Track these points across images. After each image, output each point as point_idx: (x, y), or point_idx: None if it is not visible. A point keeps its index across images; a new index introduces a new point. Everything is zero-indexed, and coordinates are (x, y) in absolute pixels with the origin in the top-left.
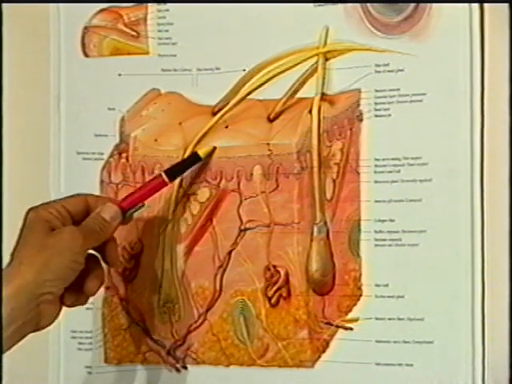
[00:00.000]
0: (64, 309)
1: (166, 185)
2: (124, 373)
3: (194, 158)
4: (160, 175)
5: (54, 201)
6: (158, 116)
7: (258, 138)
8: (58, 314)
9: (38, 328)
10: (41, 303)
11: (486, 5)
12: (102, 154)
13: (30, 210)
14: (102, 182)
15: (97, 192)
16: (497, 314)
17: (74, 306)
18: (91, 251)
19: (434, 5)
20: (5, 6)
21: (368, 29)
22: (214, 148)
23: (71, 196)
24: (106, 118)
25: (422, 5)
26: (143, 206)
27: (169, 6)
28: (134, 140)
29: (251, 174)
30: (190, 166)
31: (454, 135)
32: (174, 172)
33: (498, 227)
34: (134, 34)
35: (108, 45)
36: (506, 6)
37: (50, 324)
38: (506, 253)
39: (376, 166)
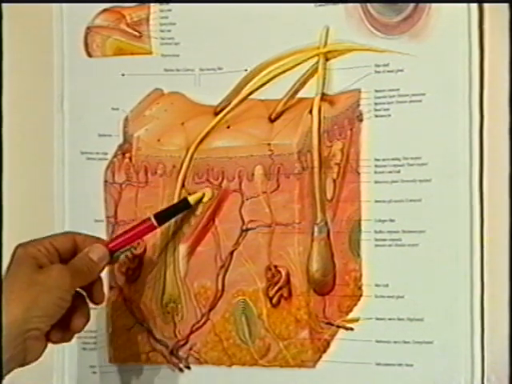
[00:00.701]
0: None
1: (155, 228)
2: (128, 372)
3: (183, 204)
4: (149, 219)
5: (42, 238)
6: (161, 116)
7: (259, 138)
8: (43, 351)
9: (23, 364)
10: (27, 339)
11: (485, 5)
12: (106, 153)
13: (19, 246)
14: (105, 181)
15: (101, 192)
16: (496, 313)
17: (59, 342)
18: (78, 289)
19: (433, 5)
20: (9, 6)
21: (368, 29)
22: (203, 194)
23: (60, 234)
24: (109, 117)
25: (421, 5)
26: (130, 248)
27: (171, 5)
28: (137, 140)
29: (252, 174)
30: (180, 211)
31: (453, 135)
32: (163, 216)
33: (498, 227)
34: (136, 34)
35: (111, 45)
36: (506, 6)
37: (35, 360)
38: (505, 253)
39: (376, 166)
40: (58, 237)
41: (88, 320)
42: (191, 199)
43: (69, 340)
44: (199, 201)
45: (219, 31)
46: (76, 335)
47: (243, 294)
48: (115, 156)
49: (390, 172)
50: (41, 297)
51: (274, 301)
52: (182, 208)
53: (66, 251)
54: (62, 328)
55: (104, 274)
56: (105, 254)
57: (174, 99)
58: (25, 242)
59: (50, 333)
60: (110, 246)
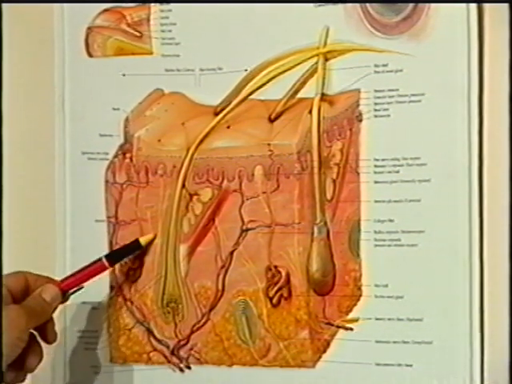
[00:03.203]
0: (70, 307)
1: (107, 269)
2: (129, 372)
3: (135, 245)
4: (101, 259)
5: None
6: (162, 116)
7: (259, 138)
8: None
9: None
10: None
11: (485, 5)
12: (107, 154)
13: None
14: (106, 182)
15: (102, 192)
16: (495, 314)
17: (13, 383)
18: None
19: (433, 5)
20: (10, 5)
21: (367, 29)
22: (155, 236)
23: (12, 273)
24: (110, 118)
25: (420, 5)
26: (82, 287)
27: (171, 6)
28: (137, 140)
29: (252, 175)
30: (131, 252)
31: (452, 135)
32: (114, 257)
33: (497, 227)
34: (137, 34)
35: (112, 45)
36: (506, 6)
37: None
38: (504, 253)
39: (375, 166)
40: (10, 277)
41: (41, 359)
42: (142, 240)
43: (23, 380)
44: (151, 242)
45: (219, 31)
46: (78, 335)
47: (243, 294)
48: (116, 156)
49: (389, 172)
50: None
51: (274, 301)
52: (133, 249)
53: (18, 291)
54: (16, 368)
55: (105, 275)
56: (57, 294)
57: (174, 99)
58: None
59: (3, 373)
60: (62, 285)
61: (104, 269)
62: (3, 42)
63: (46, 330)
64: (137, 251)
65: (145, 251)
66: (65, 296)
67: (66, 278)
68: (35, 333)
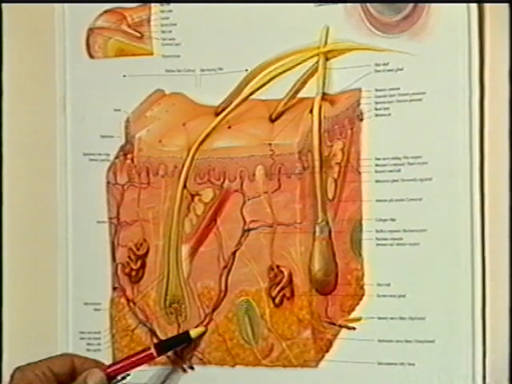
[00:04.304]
0: (72, 308)
1: (154, 358)
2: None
3: (184, 337)
4: (149, 348)
5: (40, 360)
6: (163, 117)
7: (260, 138)
8: None
9: None
10: None
11: (486, 5)
12: (108, 155)
13: (17, 369)
14: (108, 183)
15: (103, 193)
16: (497, 313)
17: None
18: None
19: (433, 4)
20: (10, 6)
21: (368, 28)
22: (206, 329)
23: (58, 356)
24: (111, 119)
25: (420, 4)
26: (129, 375)
27: (172, 6)
28: (138, 141)
29: (254, 175)
30: (181, 344)
31: (453, 134)
32: (163, 347)
33: (498, 226)
34: (137, 34)
35: (112, 46)
36: (506, 6)
37: None
38: (506, 252)
39: (377, 165)
40: (56, 359)
41: None
42: (193, 333)
43: None
44: (201, 335)
45: (220, 32)
46: (80, 336)
47: (246, 294)
48: (117, 157)
49: (390, 171)
50: None
51: (277, 301)
52: (183, 340)
53: (64, 374)
54: None
55: (107, 275)
56: (102, 380)
57: (175, 100)
58: (23, 365)
59: None
60: (109, 370)
61: (152, 358)
62: (3, 43)
63: None
64: (185, 343)
65: (147, 252)
66: (110, 382)
67: (113, 364)
68: None
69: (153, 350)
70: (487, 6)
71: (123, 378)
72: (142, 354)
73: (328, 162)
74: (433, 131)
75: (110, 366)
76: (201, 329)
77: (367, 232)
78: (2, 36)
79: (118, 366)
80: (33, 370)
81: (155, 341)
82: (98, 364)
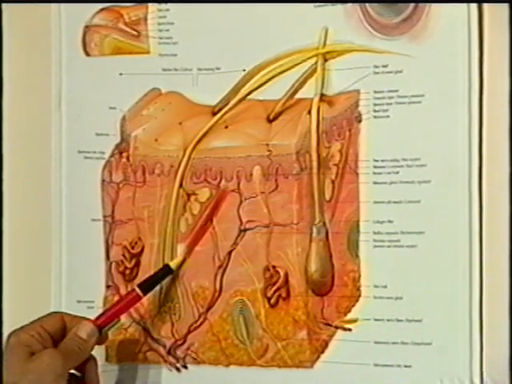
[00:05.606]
0: (66, 306)
1: (141, 298)
2: (125, 371)
3: (165, 270)
4: (134, 290)
5: (32, 322)
6: (159, 115)
7: (258, 138)
8: None
9: None
10: None
11: (485, 5)
12: (103, 153)
13: (11, 334)
14: (103, 181)
15: (98, 191)
16: (495, 315)
17: None
18: (72, 371)
19: (433, 6)
20: (6, 5)
21: (367, 30)
22: (184, 259)
23: (48, 315)
24: (107, 117)
25: (420, 6)
26: (119, 321)
27: (169, 5)
28: (134, 139)
29: (251, 175)
30: (163, 278)
31: (452, 136)
32: (147, 286)
33: (497, 228)
34: (134, 33)
35: (109, 44)
36: (506, 6)
37: None
38: (504, 254)
39: (375, 167)
40: (47, 318)
41: None
42: (172, 264)
43: None
44: (180, 265)
45: (217, 31)
46: None
47: (241, 294)
48: (112, 155)
49: (388, 173)
50: None
51: (272, 301)
52: (165, 274)
53: (57, 332)
54: None
55: (101, 273)
56: (93, 331)
57: (171, 99)
58: (17, 329)
59: None
60: (98, 322)
61: (138, 299)
62: (3, 43)
63: (86, 370)
64: (168, 276)
65: (141, 251)
66: (101, 333)
67: (102, 314)
68: (78, 374)
69: (138, 291)
70: (486, 6)
71: (113, 325)
72: (129, 297)
73: (326, 163)
74: (431, 133)
75: (98, 318)
76: (179, 258)
77: (364, 233)
78: (2, 36)
79: (106, 315)
80: (28, 332)
81: (149, 340)
82: (86, 318)
